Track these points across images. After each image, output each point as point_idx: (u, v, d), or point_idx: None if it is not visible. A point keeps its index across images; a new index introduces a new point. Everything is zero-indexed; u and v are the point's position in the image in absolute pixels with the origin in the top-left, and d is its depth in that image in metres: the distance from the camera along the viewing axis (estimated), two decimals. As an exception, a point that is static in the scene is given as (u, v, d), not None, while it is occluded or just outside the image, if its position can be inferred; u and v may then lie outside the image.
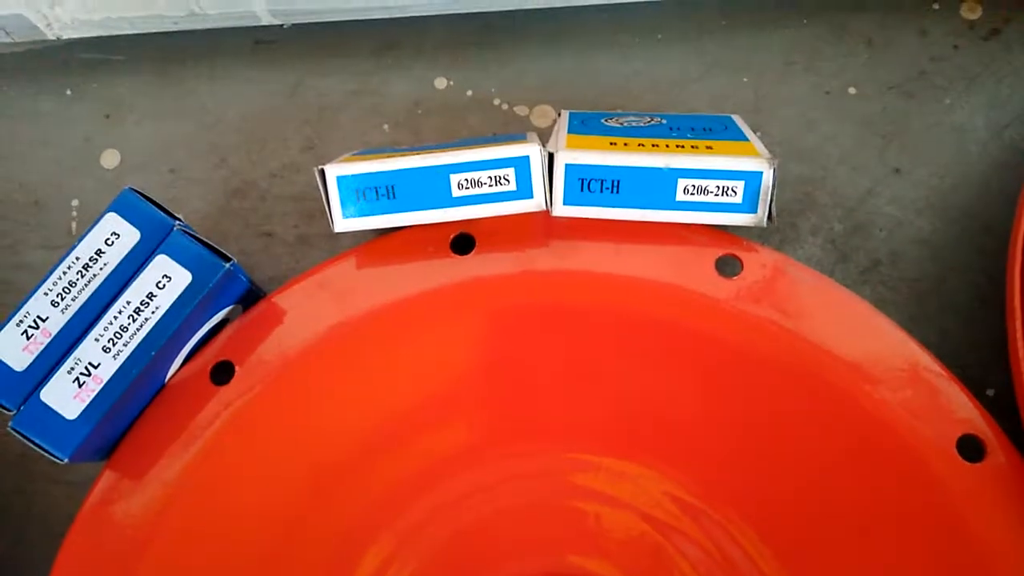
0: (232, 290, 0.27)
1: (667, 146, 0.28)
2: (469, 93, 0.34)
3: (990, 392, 0.30)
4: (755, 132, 0.32)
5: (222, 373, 0.28)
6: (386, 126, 0.34)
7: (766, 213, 0.27)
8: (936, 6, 0.34)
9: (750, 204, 0.27)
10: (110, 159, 0.34)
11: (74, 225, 0.34)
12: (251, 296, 0.29)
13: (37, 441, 0.24)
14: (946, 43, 0.34)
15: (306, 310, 0.28)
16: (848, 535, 0.26)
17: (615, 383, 0.28)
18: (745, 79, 0.34)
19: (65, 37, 0.33)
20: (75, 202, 0.34)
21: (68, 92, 0.35)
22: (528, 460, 0.28)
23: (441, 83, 0.34)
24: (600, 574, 0.27)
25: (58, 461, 0.24)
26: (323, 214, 0.33)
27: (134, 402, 0.26)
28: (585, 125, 0.29)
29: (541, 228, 0.29)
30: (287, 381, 0.28)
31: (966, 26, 0.34)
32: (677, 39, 0.35)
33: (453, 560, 0.27)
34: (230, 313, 0.28)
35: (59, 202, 0.34)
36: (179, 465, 0.27)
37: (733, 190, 0.27)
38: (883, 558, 0.26)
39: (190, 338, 0.27)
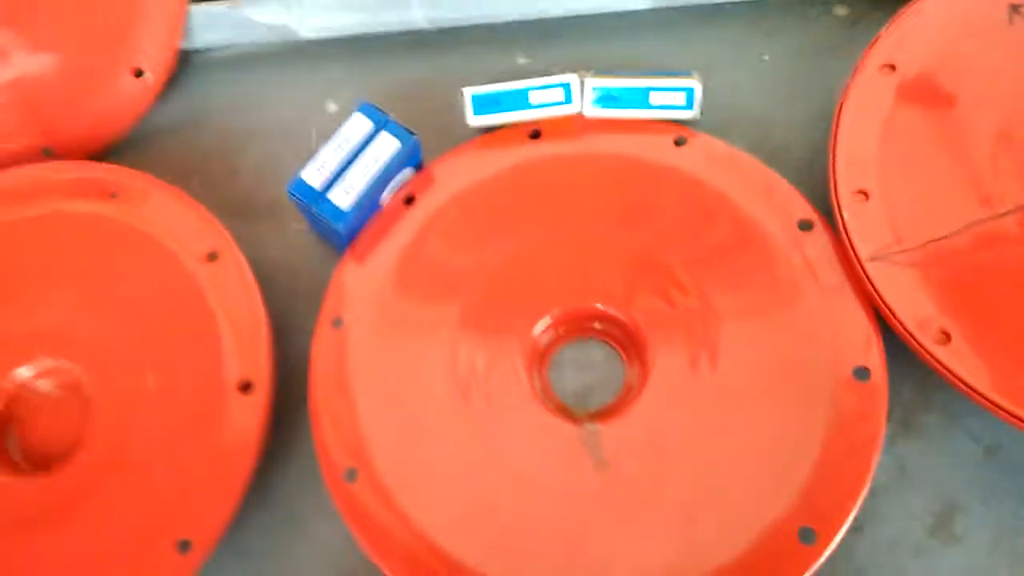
0: (415, 156, 0.52)
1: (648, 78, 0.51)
2: (540, 66, 0.59)
3: (838, 218, 0.52)
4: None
5: (409, 201, 0.52)
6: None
7: (699, 111, 0.51)
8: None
9: (689, 105, 0.51)
10: (332, 107, 0.60)
11: (313, 144, 0.59)
12: (420, 166, 0.53)
13: (326, 217, 0.49)
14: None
15: (455, 172, 0.53)
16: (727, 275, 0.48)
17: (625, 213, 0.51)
18: (701, 56, 0.58)
19: (304, 37, 0.59)
20: (313, 132, 0.59)
21: (303, 72, 0.61)
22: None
23: (522, 60, 0.59)
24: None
25: (338, 231, 0.49)
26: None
27: (366, 211, 0.51)
28: (604, 72, 0.54)
29: (579, 127, 0.53)
30: (444, 211, 0.52)
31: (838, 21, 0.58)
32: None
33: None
34: (409, 174, 0.53)
35: (303, 132, 0.59)
36: (389, 249, 0.51)
37: (681, 97, 0.51)
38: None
39: (392, 178, 0.51)
